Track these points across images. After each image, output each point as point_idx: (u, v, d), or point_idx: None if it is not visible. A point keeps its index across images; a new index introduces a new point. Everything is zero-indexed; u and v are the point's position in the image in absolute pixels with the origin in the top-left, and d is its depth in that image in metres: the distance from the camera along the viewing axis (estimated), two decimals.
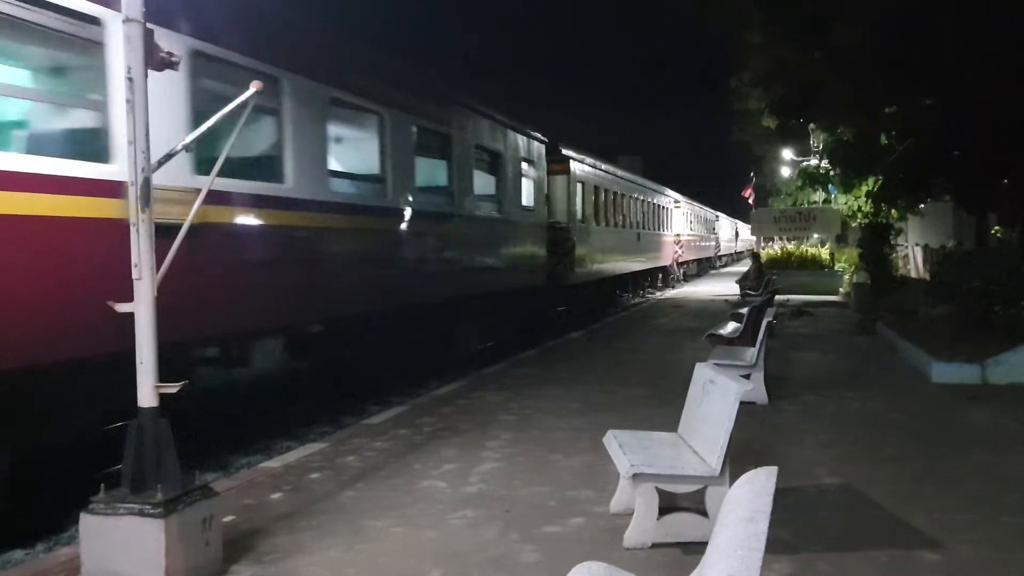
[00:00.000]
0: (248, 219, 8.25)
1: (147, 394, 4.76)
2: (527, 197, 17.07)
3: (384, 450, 7.88)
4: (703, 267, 50.06)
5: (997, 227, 22.36)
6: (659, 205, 34.40)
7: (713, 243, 56.76)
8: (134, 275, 4.72)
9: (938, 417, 9.06)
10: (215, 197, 6.93)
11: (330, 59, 10.10)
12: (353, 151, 10.89)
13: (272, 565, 5.07)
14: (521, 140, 16.77)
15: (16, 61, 6.75)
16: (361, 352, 11.07)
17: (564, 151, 19.73)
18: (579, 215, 20.96)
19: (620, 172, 27.00)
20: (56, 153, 6.25)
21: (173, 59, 4.95)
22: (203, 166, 6.99)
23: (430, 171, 12.67)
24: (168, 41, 5.72)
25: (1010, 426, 8.58)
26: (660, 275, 35.11)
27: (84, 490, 4.93)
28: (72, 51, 6.53)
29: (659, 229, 34.13)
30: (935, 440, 8.01)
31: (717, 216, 60.57)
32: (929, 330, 14.04)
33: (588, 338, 17.25)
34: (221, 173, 5.47)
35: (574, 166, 20.47)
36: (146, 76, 4.75)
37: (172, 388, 4.80)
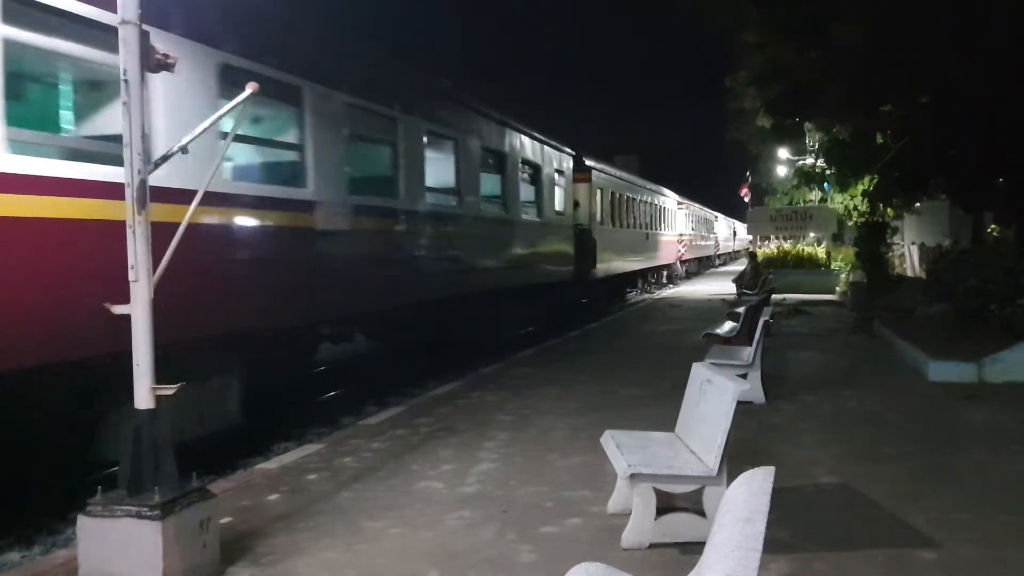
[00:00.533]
0: (396, 226, 11.39)
1: (144, 396, 4.75)
2: (559, 203, 19.57)
3: (381, 451, 7.88)
4: (703, 265, 51.68)
5: (993, 226, 22.42)
6: (664, 207, 36.82)
7: (712, 242, 59.36)
8: (131, 277, 4.72)
9: (935, 416, 9.07)
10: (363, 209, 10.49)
11: (450, 111, 13.47)
12: (439, 169, 12.95)
13: (270, 566, 5.06)
14: (554, 154, 19.36)
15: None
16: (437, 332, 13.12)
17: (587, 162, 22.43)
18: (598, 218, 23.28)
19: (632, 178, 29.82)
20: (279, 182, 9.01)
21: (169, 61, 4.94)
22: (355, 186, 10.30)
23: (490, 184, 15.16)
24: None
25: (1007, 424, 8.60)
26: (665, 272, 37.35)
27: (81, 492, 4.93)
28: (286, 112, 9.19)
29: (665, 229, 36.50)
30: (932, 439, 8.02)
31: (716, 216, 62.90)
32: (926, 329, 14.07)
33: (585, 338, 17.25)
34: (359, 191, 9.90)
35: (595, 175, 22.95)
36: (142, 78, 4.74)
37: (169, 390, 4.79)
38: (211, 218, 7.66)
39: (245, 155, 9.16)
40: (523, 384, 11.33)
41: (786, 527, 5.31)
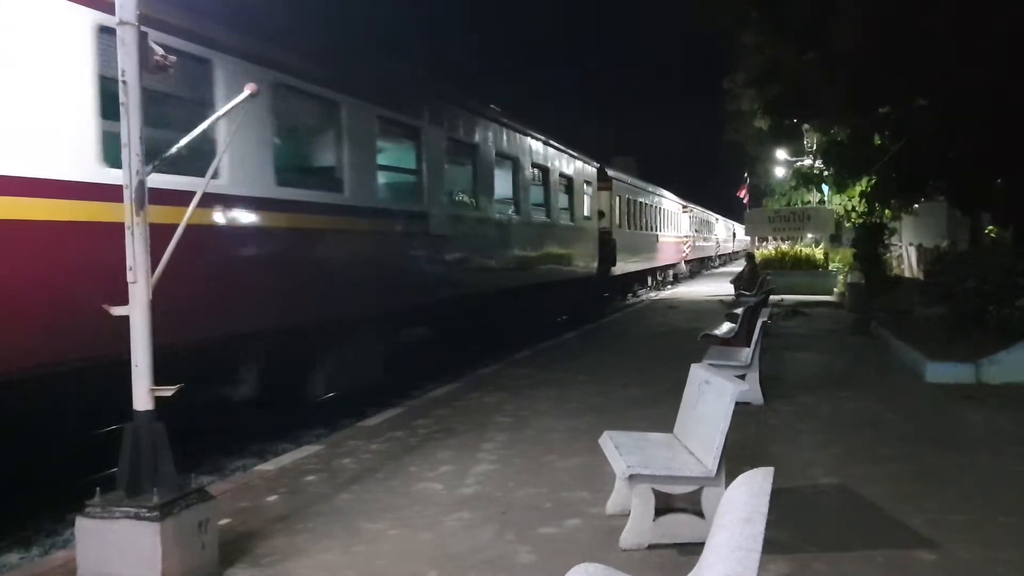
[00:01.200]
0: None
1: (142, 397, 4.75)
2: (587, 209, 22.72)
3: (380, 452, 7.88)
4: (702, 266, 53.71)
5: (991, 227, 22.43)
6: (671, 211, 40.21)
7: (713, 243, 62.37)
8: (129, 278, 4.72)
9: (933, 417, 9.07)
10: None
11: (509, 137, 16.46)
12: (500, 184, 15.72)
13: (268, 568, 5.06)
14: (583, 166, 22.52)
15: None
16: (487, 320, 15.58)
17: (609, 173, 25.77)
18: (617, 222, 26.37)
19: (644, 185, 32.77)
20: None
21: (167, 62, 4.94)
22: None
23: (536, 194, 18.18)
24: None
25: (1005, 426, 8.61)
26: (671, 271, 40.44)
27: (80, 493, 4.93)
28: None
29: (672, 231, 39.98)
30: (930, 440, 8.03)
31: (717, 219, 66.23)
32: (923, 330, 14.08)
33: (584, 339, 17.26)
34: (457, 205, 12.56)
35: (614, 184, 26.25)
36: (140, 79, 4.74)
37: (168, 391, 4.79)
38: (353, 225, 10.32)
39: (387, 176, 11.51)
40: (521, 385, 11.33)
41: (784, 528, 5.31)
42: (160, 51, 4.91)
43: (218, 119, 5.43)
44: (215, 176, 7.11)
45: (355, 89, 10.29)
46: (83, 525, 4.67)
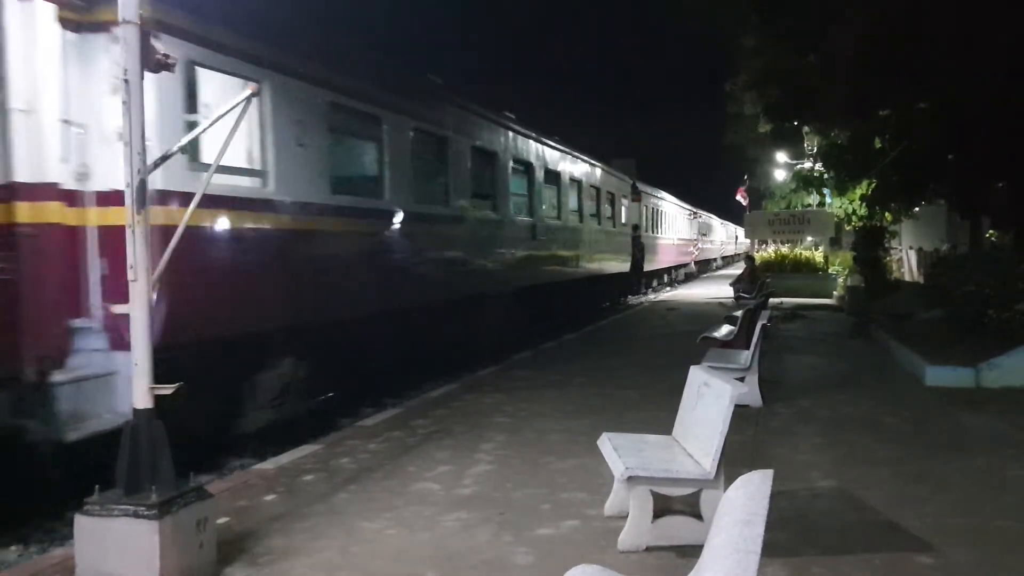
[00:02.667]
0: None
1: (142, 395, 4.76)
2: (623, 217, 28.02)
3: (378, 452, 7.88)
4: (705, 267, 56.85)
5: (991, 230, 22.41)
6: (684, 217, 45.74)
7: (717, 245, 66.84)
8: (129, 276, 4.72)
9: (932, 421, 9.07)
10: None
11: (572, 160, 21.26)
12: (555, 197, 19.51)
13: (266, 567, 5.06)
14: (620, 182, 27.78)
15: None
16: (558, 302, 19.59)
17: (639, 187, 31.40)
18: (644, 228, 31.56)
19: (664, 195, 38.58)
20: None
21: (169, 61, 4.95)
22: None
23: (589, 206, 22.81)
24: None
25: (1004, 430, 8.61)
26: (683, 269, 45.62)
27: (79, 491, 4.93)
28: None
29: (685, 235, 45.66)
30: (929, 444, 8.03)
31: (723, 223, 71.35)
32: (923, 333, 14.08)
33: (582, 341, 17.25)
34: (524, 213, 16.92)
35: (643, 196, 31.90)
36: (142, 77, 4.74)
37: (167, 389, 4.79)
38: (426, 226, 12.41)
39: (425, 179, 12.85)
40: (520, 387, 11.33)
41: (783, 531, 5.32)
42: (161, 50, 4.91)
43: (219, 119, 5.42)
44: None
45: (407, 115, 11.92)
46: (82, 523, 4.68)
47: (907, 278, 27.51)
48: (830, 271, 30.58)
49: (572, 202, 20.84)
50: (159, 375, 4.90)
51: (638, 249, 29.56)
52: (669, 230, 39.29)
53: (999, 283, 12.58)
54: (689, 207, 48.51)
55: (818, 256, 32.61)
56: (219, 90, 7.79)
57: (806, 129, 25.45)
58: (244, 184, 8.28)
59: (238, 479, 7.12)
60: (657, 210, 35.38)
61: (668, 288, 37.96)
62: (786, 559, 4.96)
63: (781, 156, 35.03)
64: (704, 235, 56.82)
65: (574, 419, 9.21)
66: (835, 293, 27.59)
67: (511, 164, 16.25)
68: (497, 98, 18.65)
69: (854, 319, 18.49)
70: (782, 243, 35.55)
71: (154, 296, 4.86)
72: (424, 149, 12.39)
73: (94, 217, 6.87)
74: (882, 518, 5.83)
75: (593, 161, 23.29)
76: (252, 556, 5.23)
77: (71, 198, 6.75)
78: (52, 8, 6.41)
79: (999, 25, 13.01)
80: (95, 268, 6.87)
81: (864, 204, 24.16)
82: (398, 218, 11.38)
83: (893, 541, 5.38)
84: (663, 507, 5.32)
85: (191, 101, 7.48)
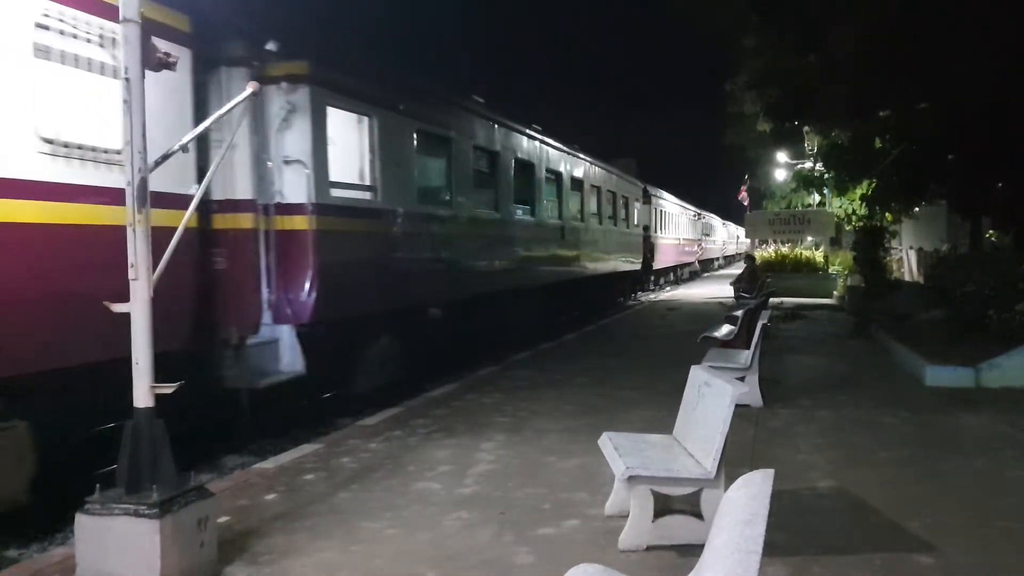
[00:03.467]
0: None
1: (143, 394, 4.76)
2: (635, 219, 29.92)
3: (378, 451, 7.88)
4: (706, 267, 58.41)
5: (991, 231, 22.41)
6: (689, 219, 47.90)
7: (719, 245, 68.81)
8: (130, 275, 4.72)
9: (932, 421, 9.07)
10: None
11: (600, 170, 24.20)
12: (579, 201, 21.59)
13: (267, 566, 5.06)
14: (633, 187, 29.86)
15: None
16: (581, 294, 22.02)
17: (649, 191, 33.31)
18: (653, 228, 33.76)
19: (672, 198, 40.63)
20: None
21: (170, 60, 4.95)
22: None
23: (607, 209, 24.85)
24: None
25: (1004, 430, 8.60)
26: (687, 268, 47.56)
27: (80, 490, 4.93)
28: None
29: (690, 235, 47.83)
30: (929, 444, 8.03)
31: (725, 224, 73.58)
32: (923, 334, 14.08)
33: (582, 341, 17.25)
34: (553, 216, 19.28)
35: (653, 199, 34.02)
36: (142, 76, 4.75)
37: (168, 388, 4.80)
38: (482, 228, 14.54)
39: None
40: (520, 387, 11.33)
41: (783, 531, 5.31)
42: (162, 49, 4.92)
43: (222, 116, 5.42)
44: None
45: (468, 133, 13.96)
46: (82, 522, 4.67)
47: (907, 278, 27.53)
48: (830, 271, 30.58)
49: (593, 206, 23.10)
50: (317, 343, 8.41)
51: (648, 248, 32.09)
52: (675, 231, 41.50)
53: (999, 283, 12.58)
54: (693, 208, 50.31)
55: (818, 256, 32.62)
56: (342, 122, 9.97)
57: (806, 129, 25.45)
58: (362, 197, 10.44)
59: (239, 478, 7.12)
60: (665, 212, 37.45)
61: (669, 288, 38.09)
62: (786, 559, 4.96)
63: (782, 156, 35.05)
64: (707, 235, 58.81)
65: (574, 419, 9.21)
66: (835, 293, 27.59)
67: (544, 173, 18.31)
68: (496, 96, 18.63)
69: (854, 319, 18.50)
70: (783, 243, 35.55)
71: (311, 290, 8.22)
72: (480, 163, 14.66)
73: (275, 224, 9.04)
74: (882, 518, 5.83)
75: (610, 168, 25.72)
76: (253, 555, 5.23)
77: (259, 209, 8.90)
78: (246, 71, 8.55)
79: (999, 25, 13.01)
80: (268, 261, 9.00)
81: (864, 204, 24.18)
82: (461, 222, 13.51)
83: (893, 541, 5.38)
84: (664, 507, 5.32)
85: (324, 133, 9.49)
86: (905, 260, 30.07)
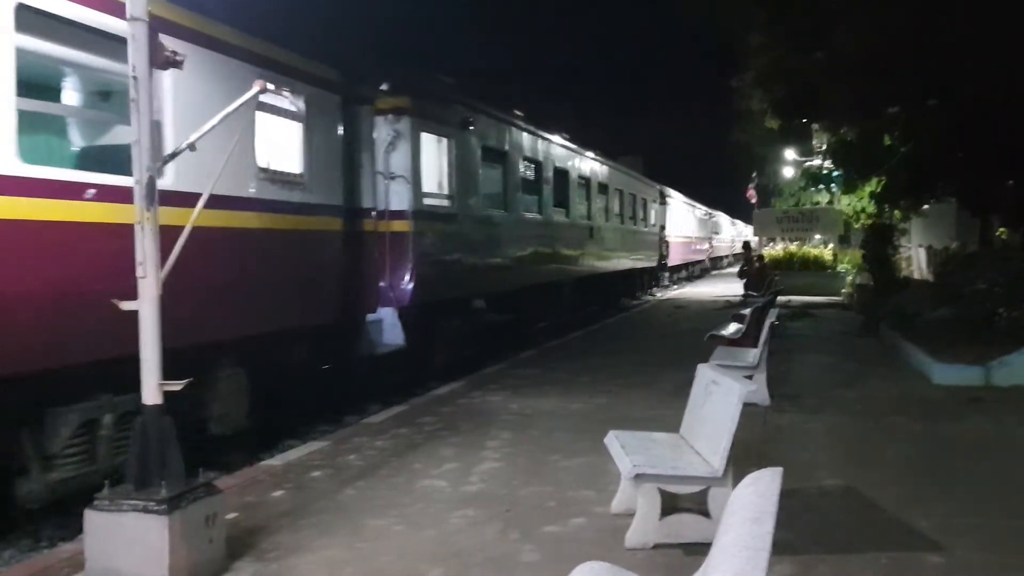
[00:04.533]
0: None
1: (151, 392, 4.77)
2: (652, 219, 32.07)
3: (384, 449, 7.89)
4: (715, 264, 59.70)
5: (1001, 228, 22.32)
6: (700, 218, 50.16)
7: (727, 243, 70.08)
8: (138, 273, 4.73)
9: (940, 419, 9.04)
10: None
11: (627, 177, 27.70)
12: (605, 203, 23.78)
13: (274, 562, 5.08)
14: (651, 189, 32.19)
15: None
16: (604, 287, 23.96)
17: (664, 192, 35.43)
18: (668, 228, 35.57)
19: (686, 199, 43.07)
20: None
21: (177, 58, 4.96)
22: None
23: (628, 211, 27.12)
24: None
25: (1013, 428, 8.57)
26: (699, 265, 49.19)
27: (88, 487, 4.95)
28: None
29: (701, 234, 49.96)
30: (937, 442, 8.01)
31: (733, 222, 75.29)
32: (932, 332, 14.01)
33: (588, 339, 17.25)
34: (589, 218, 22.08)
35: (668, 200, 36.10)
36: (150, 75, 4.76)
37: (176, 386, 4.81)
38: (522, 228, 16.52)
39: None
40: (526, 384, 11.33)
41: (789, 529, 5.30)
42: (170, 48, 4.92)
43: (228, 115, 5.43)
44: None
45: (519, 147, 16.32)
46: (91, 518, 4.69)
47: (916, 276, 27.42)
48: (838, 269, 30.49)
49: (617, 207, 25.31)
50: (421, 320, 11.24)
51: (664, 246, 34.35)
52: (687, 229, 43.66)
53: (1009, 281, 12.53)
54: (703, 208, 52.24)
55: (827, 254, 32.52)
56: (430, 144, 12.09)
57: (815, 126, 25.36)
58: (442, 204, 12.51)
59: (246, 475, 7.14)
60: (677, 212, 39.60)
61: (676, 286, 38.08)
62: (794, 557, 4.95)
63: (790, 153, 34.94)
64: (716, 233, 60.81)
65: (580, 417, 9.21)
66: (843, 291, 27.49)
67: (576, 178, 20.51)
68: (502, 94, 18.71)
69: (862, 317, 18.44)
70: (790, 241, 35.42)
71: (409, 279, 10.98)
72: (526, 171, 16.89)
73: (385, 227, 11.06)
74: (890, 517, 5.82)
75: (631, 172, 28.22)
76: (260, 551, 5.24)
77: (378, 215, 11.04)
78: (368, 107, 10.89)
79: (1008, 22, 12.94)
80: (383, 256, 11.08)
81: (873, 201, 24.11)
82: (514, 224, 15.82)
83: (901, 540, 5.37)
84: (670, 505, 5.31)
85: (419, 153, 11.66)
86: (914, 258, 29.96)
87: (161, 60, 4.86)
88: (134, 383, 4.93)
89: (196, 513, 4.73)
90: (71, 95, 8.13)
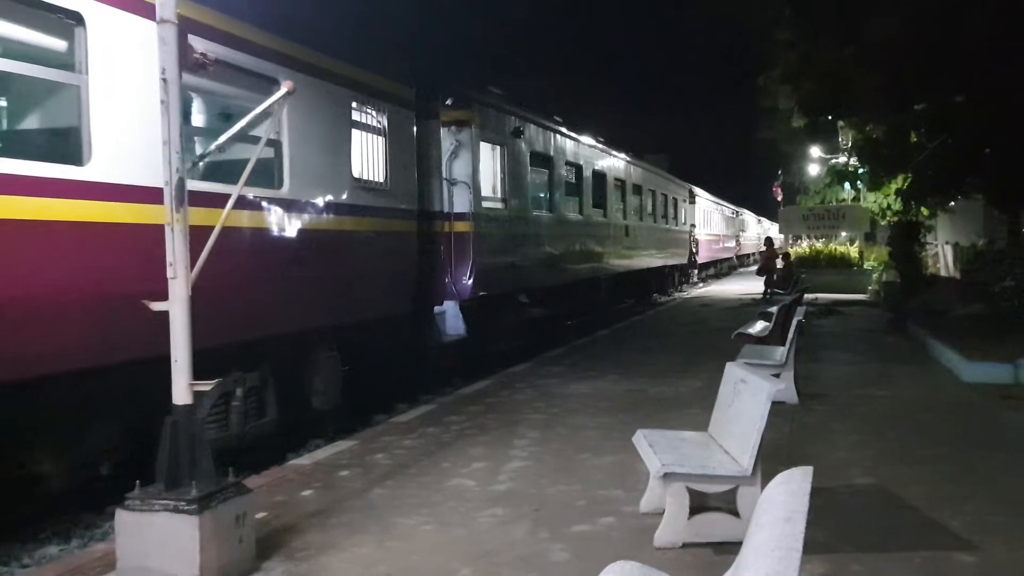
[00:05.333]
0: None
1: (181, 392, 4.81)
2: (684, 218, 33.80)
3: (413, 448, 7.91)
4: (741, 262, 59.89)
5: None
6: (728, 216, 51.93)
7: (754, 240, 70.29)
8: (169, 274, 4.77)
9: (970, 417, 8.96)
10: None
11: (658, 177, 29.66)
12: (639, 203, 25.42)
13: (304, 562, 5.10)
14: (682, 188, 33.80)
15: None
16: (642, 281, 26.01)
17: (694, 191, 36.89)
18: (696, 226, 37.00)
19: (713, 197, 44.30)
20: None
21: (206, 60, 5.00)
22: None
23: (660, 210, 28.75)
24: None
25: None
26: (727, 262, 50.64)
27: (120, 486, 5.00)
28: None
29: (729, 232, 51.62)
30: (968, 440, 7.93)
31: (759, 220, 75.74)
32: (960, 329, 13.88)
33: (615, 338, 17.21)
34: (636, 217, 25.30)
35: (697, 200, 37.58)
36: (180, 77, 4.80)
37: (206, 386, 4.85)
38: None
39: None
40: (553, 383, 11.33)
41: (821, 528, 5.25)
42: (199, 50, 4.96)
43: (257, 115, 5.47)
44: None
45: (562, 152, 17.60)
46: (123, 518, 4.73)
47: (943, 273, 27.17)
48: (865, 267, 30.23)
49: (649, 206, 26.85)
50: (480, 311, 12.41)
51: (693, 244, 35.88)
52: (715, 227, 45.24)
53: None
54: (730, 206, 53.73)
55: (853, 252, 32.25)
56: (486, 152, 13.72)
57: (841, 123, 25.16)
58: (497, 206, 13.99)
59: (275, 474, 7.18)
60: (706, 211, 41.13)
61: (702, 284, 37.98)
62: (825, 556, 4.92)
63: (815, 151, 34.71)
64: (743, 231, 62.06)
65: (608, 415, 9.20)
66: (870, 289, 27.27)
67: (613, 180, 22.00)
68: (526, 91, 18.83)
69: (890, 315, 18.28)
70: (817, 239, 35.16)
71: (470, 275, 12.47)
72: (568, 175, 18.25)
73: (449, 228, 12.47)
74: (922, 515, 5.76)
75: (662, 173, 29.85)
76: (290, 550, 5.28)
77: (443, 217, 12.43)
78: (436, 121, 12.30)
79: None
80: (447, 254, 12.48)
81: (899, 199, 23.88)
82: (558, 224, 17.21)
83: (933, 539, 5.31)
84: (699, 504, 5.29)
85: (478, 160, 13.18)
86: (941, 255, 29.68)
87: (190, 62, 4.89)
88: (256, 362, 7.94)
89: (226, 513, 4.76)
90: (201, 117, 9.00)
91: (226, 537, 4.75)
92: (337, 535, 5.55)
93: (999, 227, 21.85)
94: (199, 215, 6.58)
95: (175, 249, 4.76)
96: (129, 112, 6.39)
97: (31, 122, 7.00)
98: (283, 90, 5.42)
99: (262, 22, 8.17)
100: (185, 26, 6.46)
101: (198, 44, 6.36)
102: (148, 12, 5.73)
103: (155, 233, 5.19)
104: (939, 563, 4.92)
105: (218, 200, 6.34)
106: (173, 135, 4.73)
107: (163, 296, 4.80)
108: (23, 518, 6.67)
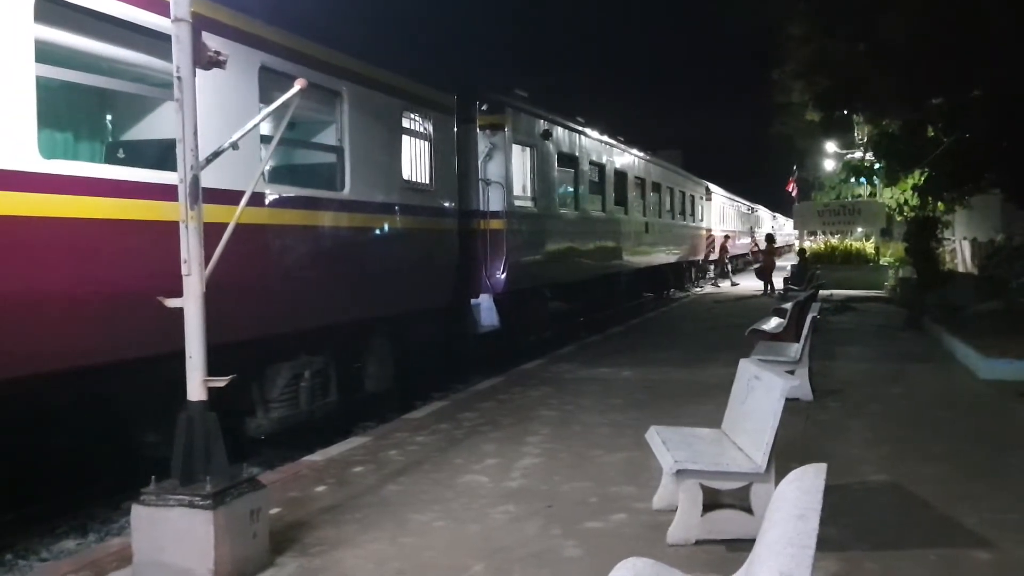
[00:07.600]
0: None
1: (196, 388, 4.83)
2: (699, 216, 33.83)
3: (426, 444, 7.93)
4: (757, 257, 57.62)
5: None
6: (745, 212, 52.56)
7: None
8: (183, 271, 4.79)
9: (987, 414, 8.90)
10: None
11: (682, 177, 30.96)
12: (658, 200, 26.05)
13: (317, 557, 5.13)
14: (699, 186, 33.95)
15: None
16: (660, 276, 27.02)
17: (710, 188, 36.94)
18: (714, 224, 37.49)
19: (729, 194, 44.75)
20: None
21: (220, 58, 5.01)
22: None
23: (678, 207, 29.12)
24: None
25: None
26: (742, 258, 50.15)
27: (135, 481, 5.03)
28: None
29: (744, 228, 51.76)
30: (984, 438, 7.88)
31: (774, 216, 75.75)
32: (977, 326, 13.79)
33: (628, 335, 17.19)
34: (658, 215, 26.15)
35: (714, 197, 37.81)
36: (194, 75, 4.81)
37: (221, 382, 4.87)
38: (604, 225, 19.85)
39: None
40: (565, 380, 11.32)
41: (835, 526, 5.24)
42: (213, 48, 4.98)
43: (270, 113, 5.49)
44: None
45: (586, 152, 18.30)
46: (138, 513, 4.75)
47: (960, 269, 26.98)
48: (881, 263, 30.06)
49: (668, 203, 27.43)
50: (510, 304, 13.09)
51: (709, 240, 36.17)
52: (731, 224, 45.41)
53: None
54: (746, 203, 54.22)
55: (868, 247, 32.08)
56: (517, 153, 14.45)
57: (856, 118, 25.04)
58: (527, 205, 14.71)
59: (289, 470, 7.21)
60: (722, 207, 41.53)
61: (721, 280, 37.89)
62: (839, 554, 4.90)
63: (830, 146, 34.53)
64: (758, 228, 62.40)
65: (621, 412, 9.19)
66: (886, 285, 27.12)
67: (634, 178, 22.65)
68: (541, 88, 18.79)
69: (906, 311, 18.17)
70: (832, 234, 34.99)
71: (503, 270, 13.17)
72: (592, 174, 18.97)
73: (484, 225, 13.13)
74: (937, 513, 5.73)
75: (679, 170, 30.44)
76: (304, 546, 5.30)
77: (480, 215, 13.09)
78: (473, 124, 13.00)
79: None
80: (483, 250, 13.07)
81: (916, 194, 23.74)
82: (582, 221, 17.84)
83: (949, 536, 5.29)
84: (712, 501, 5.28)
85: (510, 162, 13.93)
86: (958, 251, 29.47)
87: (204, 60, 4.91)
88: (321, 347, 8.81)
89: (240, 508, 4.78)
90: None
91: (240, 532, 4.77)
92: (351, 531, 5.57)
93: (1017, 222, 21.69)
94: (292, 216, 8.32)
95: (189, 247, 4.78)
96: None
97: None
98: (296, 87, 5.43)
99: (327, 39, 9.01)
100: (296, 60, 8.21)
101: (298, 72, 7.47)
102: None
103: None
104: (955, 561, 4.89)
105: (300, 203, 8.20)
106: (188, 133, 4.75)
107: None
108: (41, 512, 6.73)
